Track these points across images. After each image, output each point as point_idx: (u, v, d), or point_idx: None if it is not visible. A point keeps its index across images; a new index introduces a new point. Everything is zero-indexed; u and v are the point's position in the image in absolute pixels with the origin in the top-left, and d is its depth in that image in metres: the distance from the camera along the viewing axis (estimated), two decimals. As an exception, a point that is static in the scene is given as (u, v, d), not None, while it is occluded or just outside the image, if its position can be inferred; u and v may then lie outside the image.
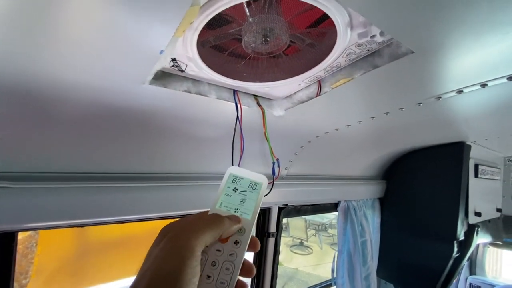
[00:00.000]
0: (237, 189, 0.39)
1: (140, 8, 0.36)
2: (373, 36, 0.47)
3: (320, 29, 0.53)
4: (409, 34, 0.44)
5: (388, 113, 0.85)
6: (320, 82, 0.68)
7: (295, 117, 0.86)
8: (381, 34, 0.47)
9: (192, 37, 0.49)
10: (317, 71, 0.64)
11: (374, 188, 1.63)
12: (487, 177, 1.61)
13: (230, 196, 0.39)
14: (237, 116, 0.71)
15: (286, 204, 1.23)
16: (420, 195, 1.49)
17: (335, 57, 0.57)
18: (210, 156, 0.94)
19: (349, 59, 0.59)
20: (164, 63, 0.56)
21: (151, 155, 0.84)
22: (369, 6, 0.38)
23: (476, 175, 1.50)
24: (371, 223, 1.59)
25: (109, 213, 0.77)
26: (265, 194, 0.42)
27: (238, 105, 0.72)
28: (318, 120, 0.92)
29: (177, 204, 0.90)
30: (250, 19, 0.52)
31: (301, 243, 6.02)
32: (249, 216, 0.37)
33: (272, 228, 1.19)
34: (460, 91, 0.68)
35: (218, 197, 0.39)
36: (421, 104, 0.78)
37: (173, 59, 0.56)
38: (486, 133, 1.23)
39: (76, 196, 0.71)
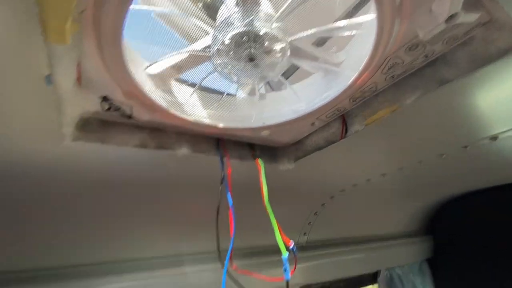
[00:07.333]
0: None
1: None
2: (451, 18, 0.24)
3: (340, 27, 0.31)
4: None
5: (443, 155, 0.59)
6: (344, 118, 0.45)
7: (310, 168, 0.61)
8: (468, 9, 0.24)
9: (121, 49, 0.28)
10: (338, 100, 0.41)
11: (419, 248, 1.30)
12: None
13: None
14: (223, 177, 0.46)
15: (309, 285, 0.90)
16: (480, 251, 1.14)
17: (368, 75, 0.35)
18: (185, 235, 0.67)
19: (392, 76, 0.36)
20: (90, 106, 0.34)
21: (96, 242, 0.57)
22: None
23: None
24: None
25: None
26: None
27: (225, 161, 0.48)
28: (343, 168, 0.66)
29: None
30: (219, 21, 0.31)
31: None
32: None
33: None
34: None
35: None
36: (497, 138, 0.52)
37: (104, 98, 0.35)
38: None
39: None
